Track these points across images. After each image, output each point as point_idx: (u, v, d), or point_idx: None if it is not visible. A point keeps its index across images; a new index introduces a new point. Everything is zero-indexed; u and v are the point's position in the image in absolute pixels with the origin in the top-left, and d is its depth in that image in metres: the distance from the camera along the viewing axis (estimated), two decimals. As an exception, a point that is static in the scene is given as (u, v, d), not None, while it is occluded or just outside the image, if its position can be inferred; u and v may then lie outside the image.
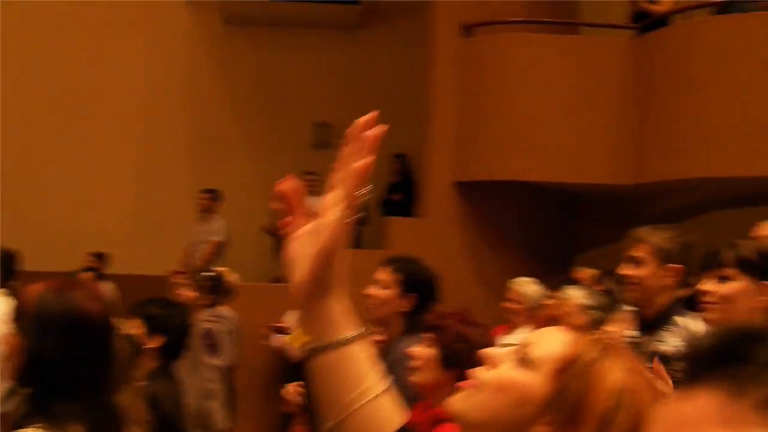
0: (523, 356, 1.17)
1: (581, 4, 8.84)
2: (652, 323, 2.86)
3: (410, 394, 2.25)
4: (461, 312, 2.74)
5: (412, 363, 2.53)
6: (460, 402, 1.20)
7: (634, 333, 3.01)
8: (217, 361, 5.94)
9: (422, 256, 6.95)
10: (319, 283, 1.03)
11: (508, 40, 7.69)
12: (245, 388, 6.76)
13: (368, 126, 1.05)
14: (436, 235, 7.64)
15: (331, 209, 1.01)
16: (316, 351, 1.05)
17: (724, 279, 2.32)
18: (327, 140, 9.47)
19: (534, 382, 1.14)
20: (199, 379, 5.72)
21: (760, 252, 2.33)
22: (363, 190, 1.01)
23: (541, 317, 5.29)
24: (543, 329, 1.26)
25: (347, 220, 1.01)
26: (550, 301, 5.16)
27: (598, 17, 8.39)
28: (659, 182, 7.00)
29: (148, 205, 9.85)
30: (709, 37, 6.81)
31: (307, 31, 10.09)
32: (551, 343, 1.17)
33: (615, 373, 1.09)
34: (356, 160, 1.01)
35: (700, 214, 8.51)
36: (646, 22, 7.42)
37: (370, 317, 3.24)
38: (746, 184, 6.95)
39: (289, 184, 1.06)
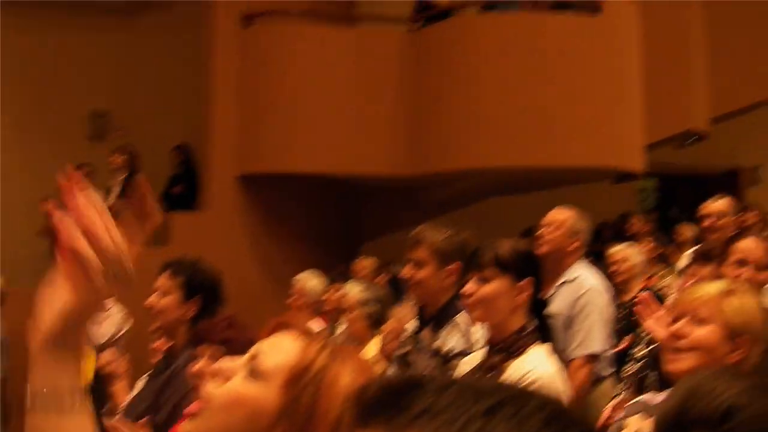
0: (253, 368, 1.15)
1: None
2: (434, 320, 2.94)
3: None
4: (229, 317, 2.67)
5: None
6: (190, 425, 1.16)
7: (416, 329, 3.09)
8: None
9: (206, 251, 6.80)
10: (56, 343, 0.97)
11: (288, 31, 7.68)
12: (21, 401, 6.28)
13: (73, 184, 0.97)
14: (219, 229, 7.50)
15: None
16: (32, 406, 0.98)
17: (483, 280, 2.39)
18: (103, 131, 9.01)
19: (265, 394, 1.12)
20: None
21: (516, 252, 2.43)
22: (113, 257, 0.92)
23: (325, 311, 5.35)
24: (272, 338, 1.22)
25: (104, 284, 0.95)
26: (331, 295, 5.23)
27: (377, 10, 8.53)
28: (436, 172, 7.27)
29: None
30: (479, 33, 7.18)
31: (80, 14, 9.50)
32: (280, 352, 1.15)
33: (345, 378, 1.10)
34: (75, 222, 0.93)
35: (478, 201, 8.98)
36: (428, 14, 7.62)
37: (156, 326, 3.10)
38: (517, 173, 7.39)
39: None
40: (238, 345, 2.33)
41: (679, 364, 2.00)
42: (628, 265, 5.21)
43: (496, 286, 2.38)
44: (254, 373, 1.14)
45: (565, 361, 3.58)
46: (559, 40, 7.12)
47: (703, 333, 1.99)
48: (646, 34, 7.72)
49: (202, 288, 3.13)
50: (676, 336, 2.03)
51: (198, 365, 2.50)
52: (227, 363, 1.22)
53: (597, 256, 7.42)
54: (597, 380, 3.68)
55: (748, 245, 3.11)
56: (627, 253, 5.36)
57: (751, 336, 1.99)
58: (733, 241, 3.24)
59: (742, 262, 3.07)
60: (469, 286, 2.43)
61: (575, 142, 7.00)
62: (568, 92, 7.01)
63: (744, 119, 10.41)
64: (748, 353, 1.99)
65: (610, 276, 5.44)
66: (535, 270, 2.48)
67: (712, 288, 2.09)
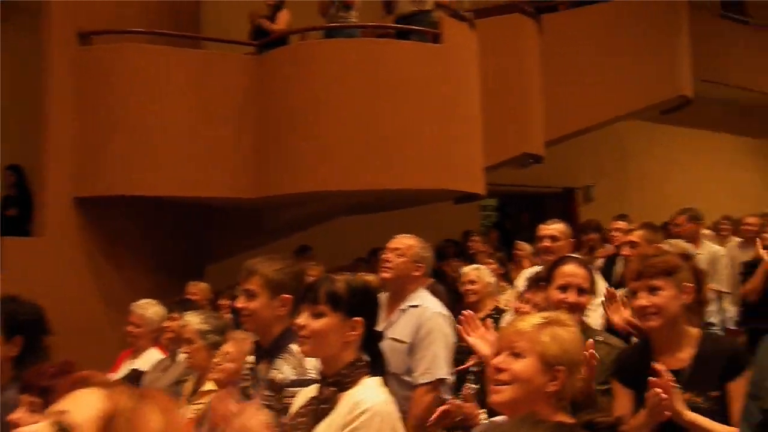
0: (60, 426, 1.15)
1: (205, 18, 8.87)
2: (268, 351, 2.93)
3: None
4: (63, 363, 2.58)
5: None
6: None
7: (251, 360, 3.07)
8: None
9: (40, 278, 6.54)
10: None
11: (128, 50, 7.44)
12: None
13: None
14: (55, 254, 7.16)
15: None
16: None
17: (316, 315, 2.41)
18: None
19: None
20: None
21: (349, 289, 2.46)
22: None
23: (164, 340, 5.22)
24: (74, 394, 1.22)
25: None
26: (170, 324, 5.11)
27: (221, 32, 8.44)
28: (280, 195, 7.26)
29: None
30: (321, 59, 7.24)
31: None
32: (85, 404, 1.17)
33: (154, 419, 1.12)
34: None
35: (325, 221, 9.05)
36: (265, 41, 7.66)
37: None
38: (361, 195, 7.50)
39: None
40: (61, 395, 2.25)
41: (499, 396, 2.10)
42: (480, 286, 5.35)
43: (327, 322, 2.40)
44: (64, 430, 1.13)
45: (412, 386, 3.68)
46: (400, 66, 7.30)
47: (520, 366, 2.09)
48: (485, 63, 8.06)
49: (21, 326, 3.03)
50: (497, 369, 2.13)
51: (14, 415, 2.41)
52: (30, 426, 1.20)
53: (440, 275, 7.69)
54: (441, 405, 3.76)
55: (570, 270, 3.23)
56: (479, 274, 5.52)
57: (568, 365, 2.11)
58: (557, 265, 3.36)
59: (564, 287, 3.19)
60: (302, 320, 2.45)
61: (416, 166, 7.18)
62: (410, 117, 7.20)
63: (576, 142, 11.03)
64: (565, 382, 2.11)
65: (462, 295, 5.62)
66: (369, 306, 2.53)
67: (529, 320, 2.19)
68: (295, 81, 7.19)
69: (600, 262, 6.59)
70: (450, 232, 10.06)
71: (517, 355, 2.10)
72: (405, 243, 3.93)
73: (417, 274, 3.89)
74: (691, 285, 2.77)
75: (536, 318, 2.21)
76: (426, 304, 3.82)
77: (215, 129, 7.29)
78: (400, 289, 3.88)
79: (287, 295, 2.92)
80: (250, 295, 2.94)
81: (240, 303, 2.98)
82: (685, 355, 2.68)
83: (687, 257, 3.15)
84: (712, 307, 5.17)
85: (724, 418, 2.56)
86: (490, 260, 7.13)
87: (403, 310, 3.81)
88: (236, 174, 7.29)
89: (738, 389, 2.56)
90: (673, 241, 5.55)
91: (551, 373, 2.07)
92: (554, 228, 5.00)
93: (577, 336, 2.19)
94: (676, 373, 2.59)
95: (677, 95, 10.98)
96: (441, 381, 3.69)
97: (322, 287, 2.45)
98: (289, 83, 7.20)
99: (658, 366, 2.47)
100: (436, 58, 7.48)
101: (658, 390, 2.42)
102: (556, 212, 12.16)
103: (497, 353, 2.17)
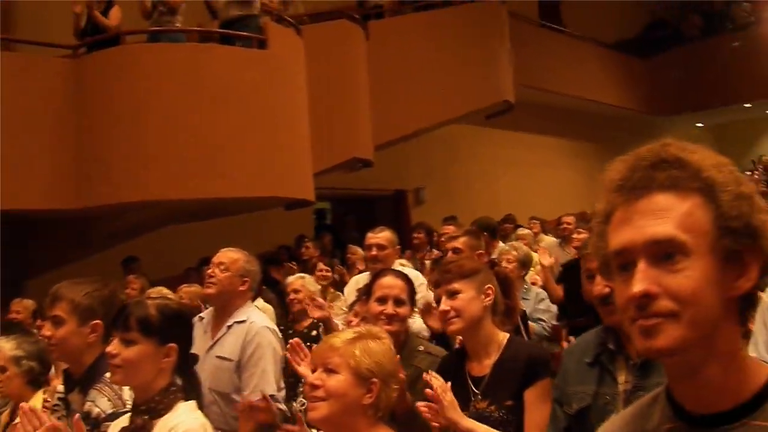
0: None
1: (20, 20, 8.39)
2: (81, 381, 2.78)
3: None
4: None
5: None
6: None
7: (61, 391, 2.91)
8: None
9: None
10: None
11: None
12: None
13: None
14: None
15: None
16: None
17: (127, 342, 2.33)
18: None
19: None
20: None
21: (161, 314, 2.38)
22: None
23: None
24: None
25: None
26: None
27: (38, 34, 7.96)
28: (103, 206, 6.96)
29: None
30: (144, 63, 7.01)
31: None
32: None
33: None
34: None
35: (152, 230, 8.76)
36: (96, 39, 7.24)
37: None
38: (187, 204, 7.31)
39: None
40: None
41: (316, 412, 2.11)
42: (304, 294, 5.35)
43: (139, 349, 2.32)
44: None
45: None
46: (226, 72, 7.20)
47: (334, 382, 2.11)
48: (313, 69, 8.10)
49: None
50: (312, 386, 2.14)
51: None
52: None
53: (272, 283, 7.64)
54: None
55: (387, 282, 3.25)
56: (303, 283, 5.52)
57: (382, 377, 2.15)
58: (376, 278, 3.38)
59: (382, 300, 3.17)
60: (112, 348, 2.36)
61: (243, 174, 7.10)
62: (237, 124, 7.11)
63: (406, 145, 11.30)
64: (380, 394, 2.14)
65: (287, 305, 5.59)
66: (182, 330, 2.48)
67: (341, 336, 2.23)
68: (117, 86, 6.91)
69: (429, 264, 6.76)
70: (284, 237, 10.02)
71: (330, 371, 2.12)
72: (229, 257, 3.83)
73: (243, 288, 3.79)
74: (491, 287, 2.78)
75: (348, 333, 2.25)
76: (253, 319, 3.73)
77: (32, 136, 6.86)
78: (225, 305, 3.77)
79: (97, 321, 2.80)
80: (57, 322, 2.77)
81: (46, 331, 2.83)
82: (490, 362, 2.70)
83: (493, 263, 3.24)
84: (541, 305, 5.39)
85: (518, 427, 2.57)
86: (323, 266, 7.16)
87: (229, 327, 3.72)
88: (55, 184, 6.90)
89: (532, 397, 2.58)
90: (515, 243, 5.83)
91: (366, 386, 2.11)
92: (381, 236, 5.06)
93: (389, 348, 2.24)
94: (480, 379, 2.67)
95: (501, 100, 11.49)
96: (271, 398, 3.64)
97: (133, 313, 2.38)
98: (111, 88, 6.92)
99: (427, 375, 2.49)
100: (262, 64, 7.44)
101: (422, 405, 2.43)
102: (388, 214, 12.42)
103: (313, 370, 2.19)
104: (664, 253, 1.04)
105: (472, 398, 2.66)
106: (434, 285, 2.84)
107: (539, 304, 5.37)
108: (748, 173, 15.04)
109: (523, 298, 5.13)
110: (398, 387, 2.27)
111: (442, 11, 11.06)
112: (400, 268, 4.44)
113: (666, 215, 1.05)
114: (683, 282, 1.03)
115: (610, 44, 16.32)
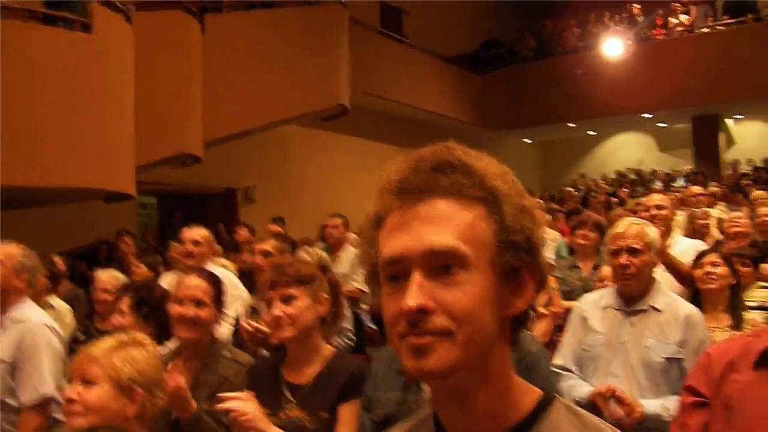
0: None
1: None
2: None
3: None
4: None
5: None
6: None
7: None
8: None
9: None
10: None
11: None
12: None
13: None
14: None
15: None
16: None
17: None
18: None
19: None
20: None
21: None
22: None
23: None
24: None
25: None
26: None
27: None
28: None
29: None
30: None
31: None
32: None
33: None
34: None
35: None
36: None
37: None
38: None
39: None
40: None
41: (75, 424, 2.00)
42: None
43: None
44: None
45: (16, 410, 3.36)
46: (47, 54, 6.78)
47: (92, 395, 2.01)
48: (144, 58, 7.80)
49: None
50: (69, 400, 2.03)
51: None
52: None
53: (83, 279, 7.30)
54: (53, 424, 3.49)
55: (189, 282, 3.10)
56: (110, 280, 5.27)
57: (145, 386, 2.07)
58: (182, 278, 3.24)
59: (180, 301, 3.04)
60: None
61: (59, 162, 6.72)
62: (55, 109, 6.71)
63: (240, 143, 11.15)
64: (145, 403, 2.06)
65: (95, 302, 5.31)
66: None
67: (101, 345, 2.12)
68: None
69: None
70: (105, 231, 9.60)
71: (89, 383, 2.03)
72: (5, 252, 3.59)
73: (19, 285, 3.55)
74: (327, 296, 2.71)
75: (109, 341, 2.15)
76: (29, 317, 3.51)
77: None
78: (1, 303, 3.54)
79: None
80: None
81: None
82: (312, 372, 2.62)
83: (324, 268, 3.16)
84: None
85: None
86: (138, 263, 6.91)
87: (4, 326, 3.48)
88: None
89: (346, 412, 2.52)
90: (309, 249, 5.79)
91: (128, 396, 2.03)
92: (196, 233, 5.01)
93: (154, 355, 2.16)
94: (298, 388, 2.59)
95: (336, 104, 11.54)
96: (49, 399, 3.43)
97: None
98: None
99: (223, 395, 2.35)
100: (86, 48, 7.07)
101: (231, 407, 2.29)
102: (217, 212, 12.20)
103: (69, 381, 2.08)
104: (442, 264, 0.95)
105: (285, 405, 2.58)
106: (269, 287, 2.64)
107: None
108: (570, 189, 15.96)
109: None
110: (165, 395, 2.20)
111: (282, 11, 10.97)
112: (215, 269, 4.35)
113: (447, 224, 0.96)
114: (461, 298, 0.94)
115: (448, 58, 16.79)
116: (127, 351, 2.10)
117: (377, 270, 1.01)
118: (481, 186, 0.99)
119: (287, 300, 2.59)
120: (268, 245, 4.86)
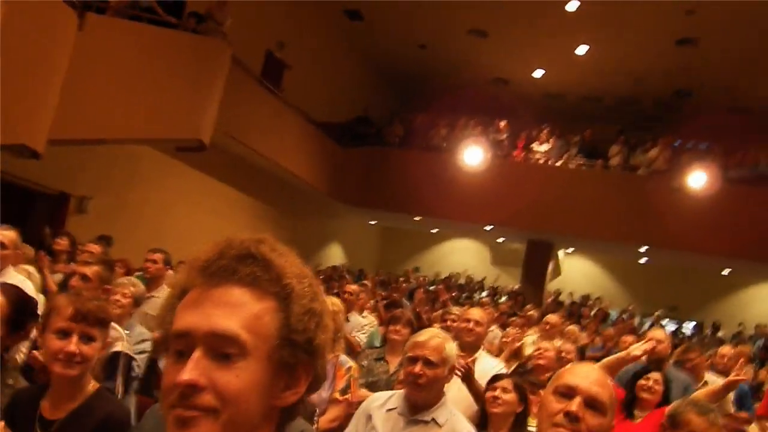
0: None
1: None
2: None
3: None
4: None
5: None
6: None
7: None
8: None
9: None
10: None
11: None
12: None
13: None
14: None
15: None
16: None
17: None
18: None
19: None
20: None
21: None
22: None
23: None
24: None
25: None
26: None
27: None
28: None
29: None
30: None
31: None
32: None
33: None
34: None
35: None
36: None
37: None
38: None
39: None
40: None
41: None
42: None
43: None
44: None
45: None
46: None
47: None
48: (10, 39, 7.39)
49: None
50: None
51: None
52: None
53: None
54: None
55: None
56: None
57: None
58: None
59: None
60: None
61: None
62: None
63: (88, 150, 10.66)
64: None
65: None
66: None
67: None
68: None
69: (58, 277, 6.30)
70: None
71: None
72: None
73: None
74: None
75: None
76: None
77: None
78: None
79: None
80: None
81: None
82: (70, 407, 2.49)
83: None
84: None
85: None
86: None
87: None
88: None
89: None
90: (133, 279, 5.44)
91: None
92: (4, 234, 4.65)
93: None
94: (51, 423, 2.46)
95: (195, 138, 11.30)
96: None
97: None
98: None
99: None
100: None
101: None
102: (45, 214, 11.53)
103: None
104: (222, 347, 1.01)
105: None
106: (71, 317, 2.50)
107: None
108: (402, 278, 16.22)
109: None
110: None
111: (168, 31, 10.71)
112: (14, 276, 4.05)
113: (236, 311, 1.03)
114: (232, 381, 1.00)
115: (318, 122, 16.92)
116: None
117: (169, 340, 1.06)
118: (277, 282, 1.06)
119: (87, 339, 2.51)
120: (90, 271, 4.51)
